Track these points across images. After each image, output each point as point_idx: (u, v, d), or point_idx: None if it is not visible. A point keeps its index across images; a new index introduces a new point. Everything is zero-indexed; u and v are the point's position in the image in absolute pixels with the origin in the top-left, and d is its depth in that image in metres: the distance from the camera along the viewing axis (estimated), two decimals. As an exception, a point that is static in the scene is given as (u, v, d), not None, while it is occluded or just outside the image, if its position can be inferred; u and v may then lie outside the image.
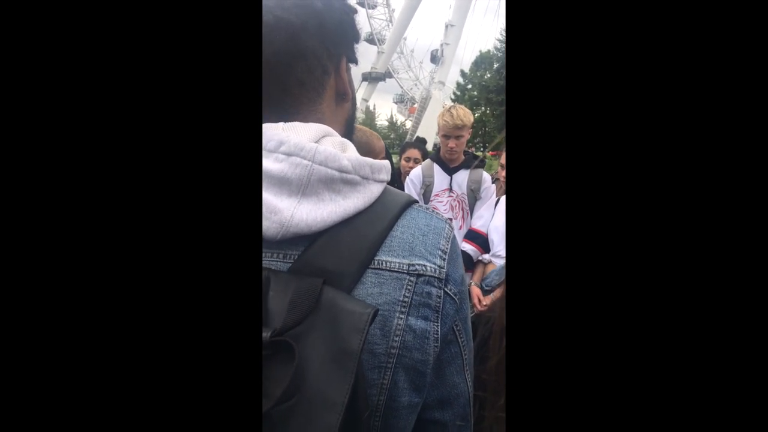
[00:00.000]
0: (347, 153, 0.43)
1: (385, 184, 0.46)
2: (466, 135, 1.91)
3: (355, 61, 0.53)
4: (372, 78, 29.06)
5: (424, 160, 2.39)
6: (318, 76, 0.46)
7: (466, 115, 1.88)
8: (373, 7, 31.28)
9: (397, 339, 0.40)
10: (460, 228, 1.94)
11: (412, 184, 2.03)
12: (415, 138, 3.48)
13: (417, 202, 0.47)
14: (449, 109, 1.91)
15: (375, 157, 1.55)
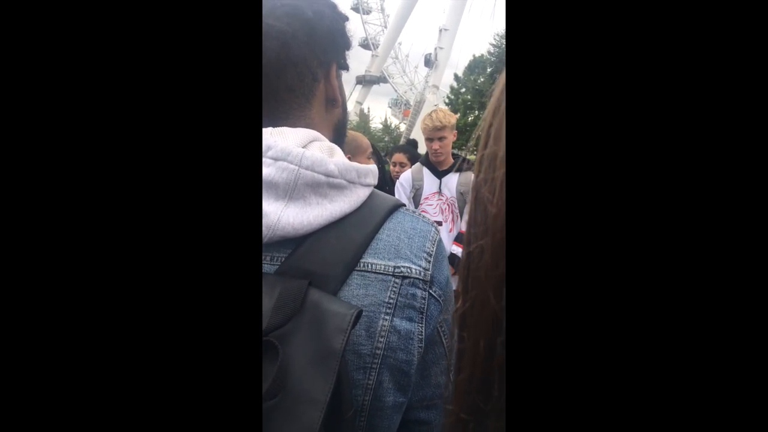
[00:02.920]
0: (334, 158, 0.44)
1: (372, 188, 0.47)
2: (450, 136, 1.94)
3: (346, 68, 0.54)
4: (366, 81, 29.09)
5: (411, 163, 2.41)
6: (308, 83, 0.47)
7: (445, 116, 1.91)
8: (368, 12, 31.34)
9: (382, 340, 0.41)
10: (450, 231, 1.96)
11: (402, 188, 2.04)
12: (405, 140, 3.50)
13: (404, 205, 0.48)
14: (430, 113, 1.95)
15: (363, 153, 1.59)
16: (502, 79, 0.23)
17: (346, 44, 0.52)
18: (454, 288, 0.53)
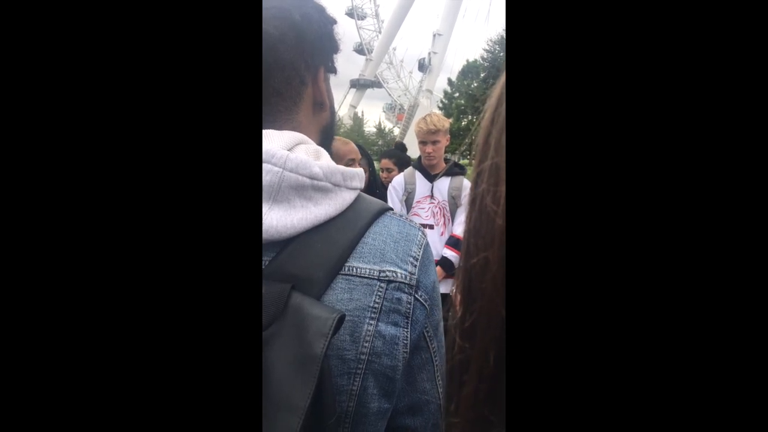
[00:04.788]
0: (320, 160, 0.43)
1: (358, 191, 0.46)
2: (443, 140, 1.95)
3: (334, 71, 0.53)
4: (360, 85, 29.20)
5: (398, 168, 2.43)
6: (295, 87, 0.47)
7: (439, 120, 1.93)
8: (363, 18, 31.50)
9: (366, 345, 0.40)
10: (442, 234, 1.96)
11: (394, 191, 2.05)
12: (395, 144, 3.52)
13: (391, 209, 0.48)
14: (424, 117, 1.97)
15: (340, 161, 1.58)
16: (497, 88, 0.23)
17: (335, 47, 0.52)
18: (441, 292, 0.53)
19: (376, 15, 31.90)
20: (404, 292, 0.43)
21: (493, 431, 0.21)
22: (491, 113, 0.23)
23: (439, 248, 1.93)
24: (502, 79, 0.23)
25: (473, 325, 0.22)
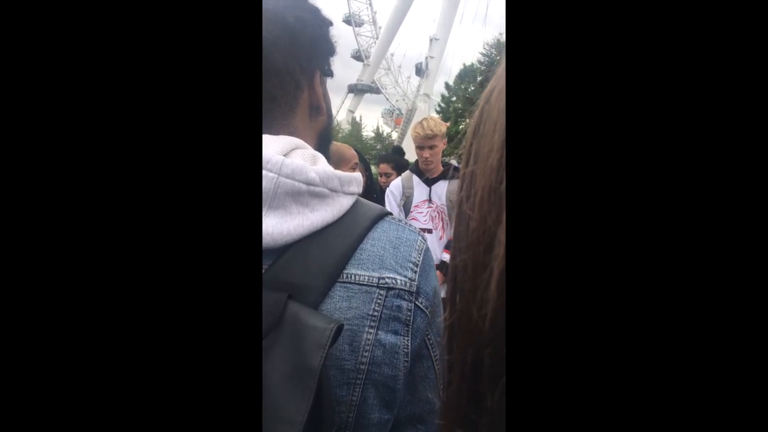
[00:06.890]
0: (317, 166, 0.42)
1: (355, 196, 0.45)
2: (440, 145, 1.95)
3: (330, 74, 0.53)
4: (358, 90, 29.35)
5: (396, 172, 2.43)
6: (290, 91, 0.46)
7: (436, 125, 1.93)
8: (360, 24, 31.74)
9: (366, 354, 0.39)
10: (441, 238, 1.95)
11: (392, 195, 2.04)
12: (392, 148, 3.54)
13: (390, 214, 0.47)
14: (420, 122, 1.97)
15: (346, 164, 1.58)
16: (481, 101, 0.24)
17: (330, 50, 0.51)
18: (443, 296, 0.52)
19: (374, 21, 32.11)
20: (404, 299, 0.42)
21: None
22: (474, 124, 0.23)
23: (438, 252, 1.92)
24: (486, 91, 0.23)
25: (453, 325, 0.22)
